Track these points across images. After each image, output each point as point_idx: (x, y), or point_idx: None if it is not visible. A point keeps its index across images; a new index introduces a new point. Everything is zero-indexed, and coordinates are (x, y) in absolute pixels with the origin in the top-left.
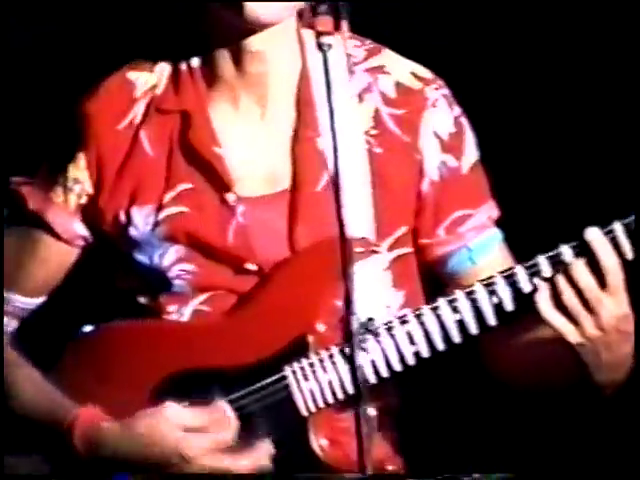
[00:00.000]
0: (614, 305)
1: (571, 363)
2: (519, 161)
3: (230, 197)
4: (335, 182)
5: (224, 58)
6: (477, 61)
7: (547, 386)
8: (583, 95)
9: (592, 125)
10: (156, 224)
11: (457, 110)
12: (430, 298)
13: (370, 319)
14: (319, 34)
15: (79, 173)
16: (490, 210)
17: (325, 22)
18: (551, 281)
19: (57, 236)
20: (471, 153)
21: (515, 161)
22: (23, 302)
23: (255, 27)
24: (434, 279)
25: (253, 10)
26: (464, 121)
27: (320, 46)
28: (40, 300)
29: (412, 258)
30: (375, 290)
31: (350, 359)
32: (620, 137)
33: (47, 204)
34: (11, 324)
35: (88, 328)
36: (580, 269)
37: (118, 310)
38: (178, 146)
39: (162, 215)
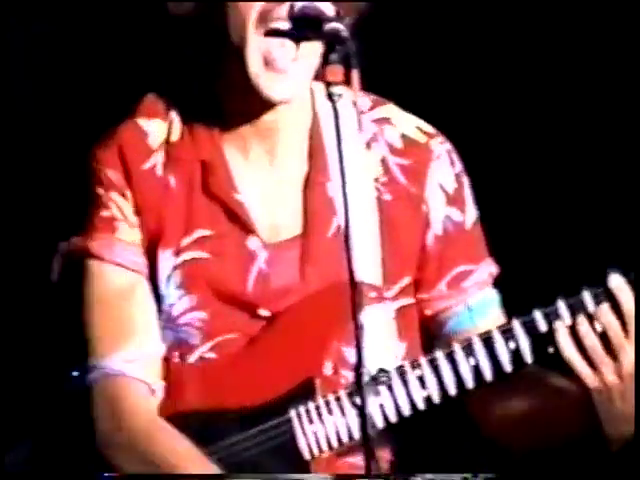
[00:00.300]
0: (631, 353)
1: (574, 417)
2: (515, 219)
3: (253, 242)
4: (347, 228)
5: (235, 108)
6: (470, 119)
7: (540, 443)
8: (576, 152)
9: (588, 175)
10: (174, 268)
11: (459, 166)
12: (426, 353)
13: (382, 370)
14: (329, 84)
15: (133, 205)
16: (490, 267)
17: (335, 72)
18: (573, 326)
19: (131, 269)
20: (472, 209)
21: (511, 219)
22: (154, 352)
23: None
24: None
25: (269, 92)
26: (464, 178)
27: (330, 96)
28: (162, 348)
29: (414, 310)
30: (382, 339)
31: (358, 406)
32: (619, 190)
33: (118, 249)
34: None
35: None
36: (608, 314)
37: None
38: (200, 193)
39: (180, 260)
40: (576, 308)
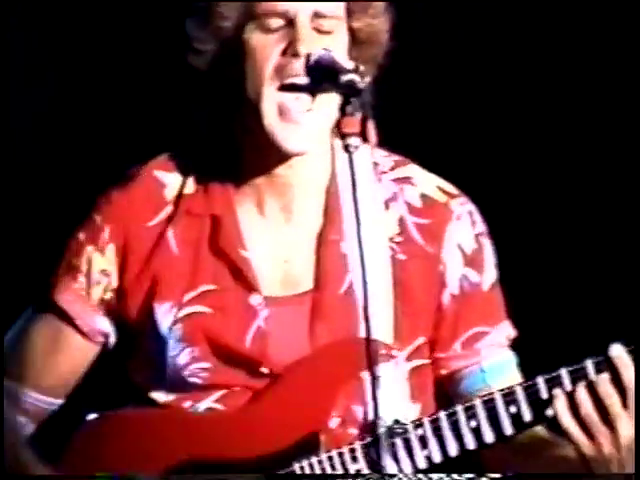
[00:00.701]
0: (630, 424)
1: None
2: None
3: (255, 299)
4: (364, 284)
5: (252, 162)
6: (496, 180)
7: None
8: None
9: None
10: (174, 322)
11: (480, 227)
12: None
13: (397, 421)
14: (345, 135)
15: (107, 265)
16: (507, 330)
17: (352, 123)
18: (572, 393)
19: (78, 329)
20: (491, 271)
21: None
22: (44, 402)
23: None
24: (444, 396)
25: (284, 143)
26: (485, 240)
27: (346, 147)
28: (60, 401)
29: (429, 370)
30: (393, 399)
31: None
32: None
33: (70, 295)
34: (29, 426)
35: (92, 416)
36: (606, 384)
37: (127, 403)
38: (207, 248)
39: (181, 314)
40: (577, 376)
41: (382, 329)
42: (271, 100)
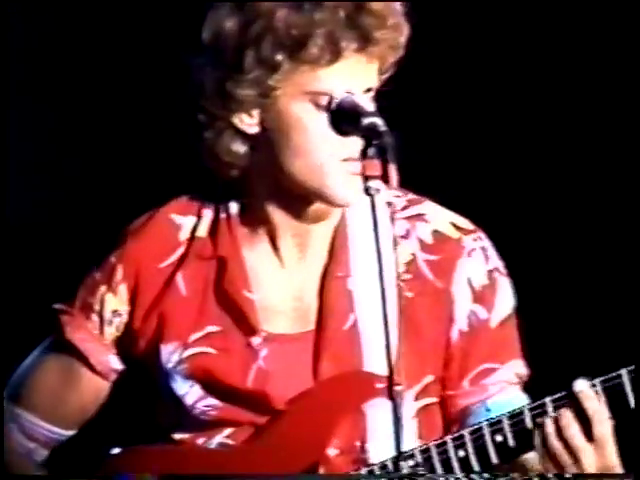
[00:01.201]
0: (597, 456)
1: None
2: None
3: (255, 340)
4: (386, 322)
5: (270, 205)
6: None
7: None
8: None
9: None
10: (180, 362)
11: (494, 263)
12: None
13: (411, 455)
14: (367, 178)
15: (119, 305)
16: (517, 367)
17: (373, 166)
18: (541, 425)
19: (92, 368)
20: (503, 307)
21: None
22: (54, 432)
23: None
24: None
25: (345, 200)
26: (499, 276)
27: (367, 190)
28: (70, 433)
29: (437, 409)
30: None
31: None
32: None
33: (83, 334)
34: (40, 452)
35: (116, 450)
36: (567, 417)
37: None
38: (212, 289)
39: (186, 354)
40: (539, 412)
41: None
42: (337, 168)
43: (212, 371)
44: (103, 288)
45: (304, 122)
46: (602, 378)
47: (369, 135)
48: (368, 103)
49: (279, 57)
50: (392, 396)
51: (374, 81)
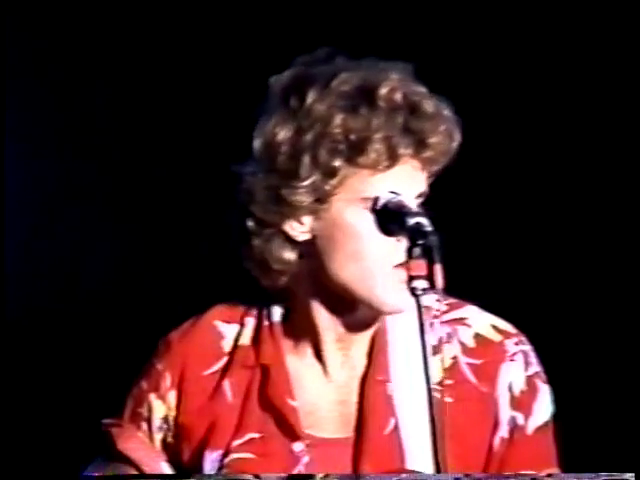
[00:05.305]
0: None
1: None
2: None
3: (297, 447)
4: (433, 427)
5: (315, 311)
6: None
7: None
8: None
9: None
10: (220, 467)
11: (534, 369)
12: None
13: None
14: (412, 278)
15: (168, 411)
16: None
17: (418, 266)
18: None
19: (132, 464)
20: (540, 414)
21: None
22: None
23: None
24: None
25: (395, 307)
26: (539, 381)
27: (413, 290)
28: None
29: None
30: None
31: None
32: None
33: (135, 443)
34: None
35: None
36: None
37: None
38: (256, 397)
39: (227, 460)
40: None
41: (427, 470)
42: (388, 274)
43: (252, 473)
44: (152, 396)
45: (358, 228)
46: None
47: (414, 235)
48: (413, 203)
49: (337, 163)
50: None
51: (425, 186)
